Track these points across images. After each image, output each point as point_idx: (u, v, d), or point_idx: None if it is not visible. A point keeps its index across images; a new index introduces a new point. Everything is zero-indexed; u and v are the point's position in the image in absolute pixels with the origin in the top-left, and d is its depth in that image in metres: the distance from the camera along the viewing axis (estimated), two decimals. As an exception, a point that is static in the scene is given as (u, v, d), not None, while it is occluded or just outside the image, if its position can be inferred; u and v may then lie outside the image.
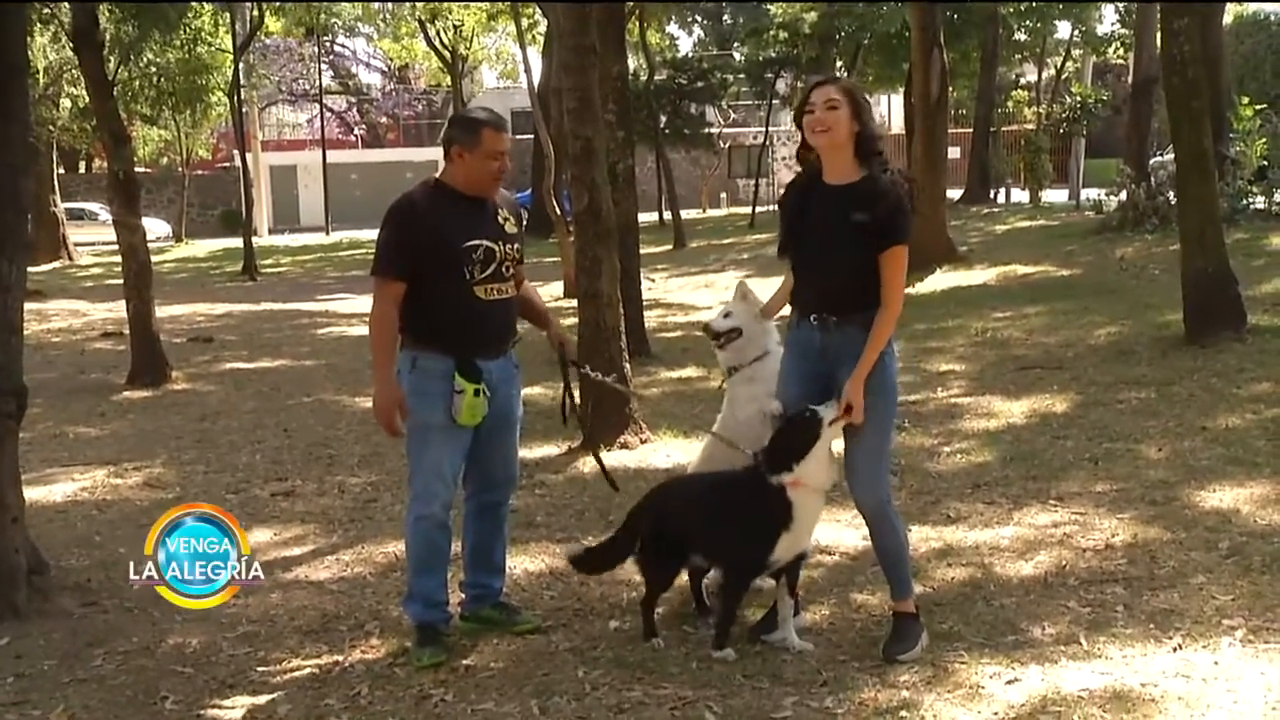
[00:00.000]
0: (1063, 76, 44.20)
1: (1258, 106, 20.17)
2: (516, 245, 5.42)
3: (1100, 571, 5.99)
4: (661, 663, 5.09)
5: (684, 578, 5.59)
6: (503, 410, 5.39)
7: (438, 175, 5.42)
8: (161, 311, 15.78)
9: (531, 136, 33.39)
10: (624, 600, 5.91)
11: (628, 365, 9.75)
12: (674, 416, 10.26)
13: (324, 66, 58.49)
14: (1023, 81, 48.35)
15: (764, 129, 41.35)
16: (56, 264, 35.20)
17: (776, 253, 5.31)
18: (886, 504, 5.14)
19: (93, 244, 40.16)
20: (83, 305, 23.63)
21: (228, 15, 31.52)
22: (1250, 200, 19.29)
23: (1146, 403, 9.63)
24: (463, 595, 5.71)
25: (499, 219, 5.36)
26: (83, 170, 54.47)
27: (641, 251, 13.99)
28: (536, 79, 30.38)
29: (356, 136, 66.19)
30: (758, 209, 36.73)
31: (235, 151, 39.95)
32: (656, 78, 36.36)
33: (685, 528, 5.27)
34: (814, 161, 5.06)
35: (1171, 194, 17.47)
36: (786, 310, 5.37)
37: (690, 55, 48.30)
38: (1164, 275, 15.33)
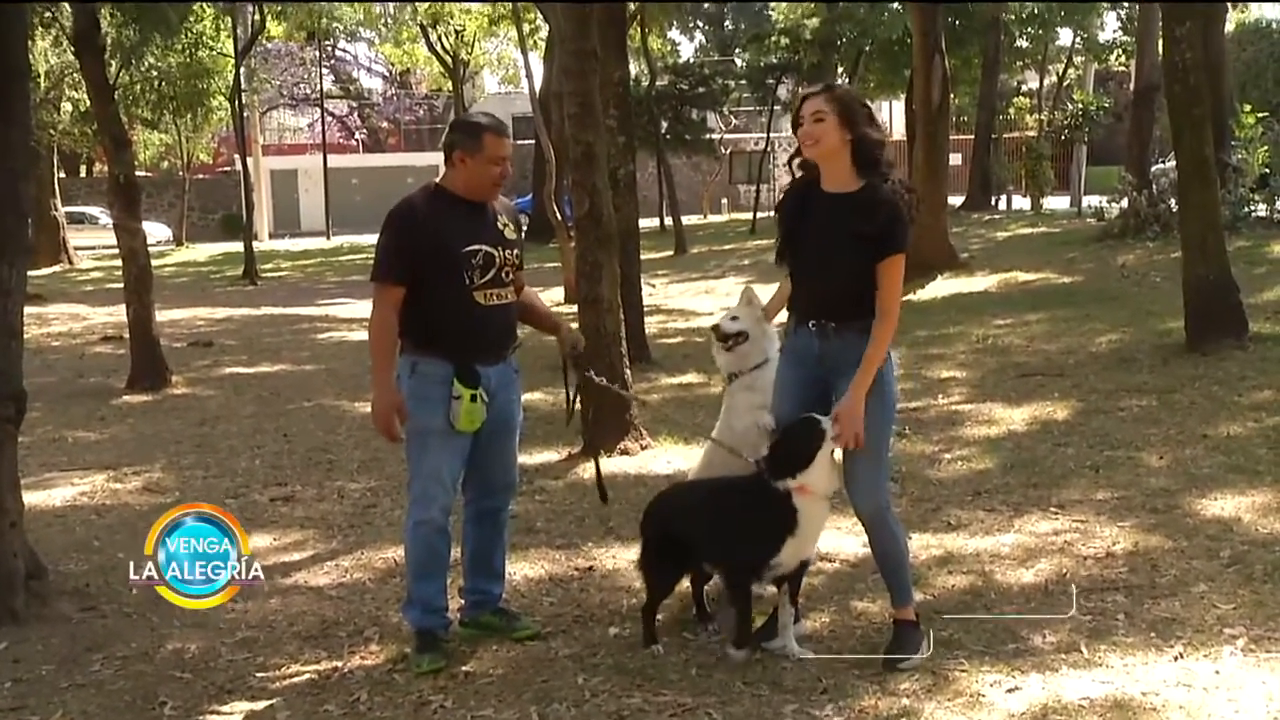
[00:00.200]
0: (1064, 83, 44.22)
1: (1260, 114, 20.14)
2: (516, 251, 5.41)
3: (1101, 580, 5.97)
4: (661, 669, 5.07)
5: (684, 584, 5.58)
6: (502, 416, 5.38)
7: (438, 180, 5.42)
8: (161, 316, 15.78)
9: (533, 141, 33.39)
10: (624, 607, 5.90)
11: (628, 371, 9.74)
12: (674, 423, 10.24)
13: (325, 71, 58.58)
14: (1024, 88, 48.37)
15: (765, 135, 41.36)
16: (57, 268, 35.23)
17: (774, 259, 5.30)
18: (886, 510, 5.13)
19: (93, 248, 40.19)
20: (83, 309, 23.62)
21: (229, 19, 31.50)
22: (1252, 208, 19.26)
23: (1148, 410, 9.61)
24: (462, 601, 5.70)
25: (499, 225, 5.35)
26: (83, 174, 54.52)
27: (642, 257, 13.99)
28: (538, 84, 30.38)
29: (357, 141, 66.26)
30: (759, 215, 36.70)
31: (236, 156, 39.95)
32: (658, 83, 36.35)
33: (689, 533, 5.26)
34: (814, 166, 5.05)
35: (1173, 201, 17.46)
36: (783, 316, 5.37)
37: (692, 61, 48.35)
38: (1165, 283, 15.32)
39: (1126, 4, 38.32)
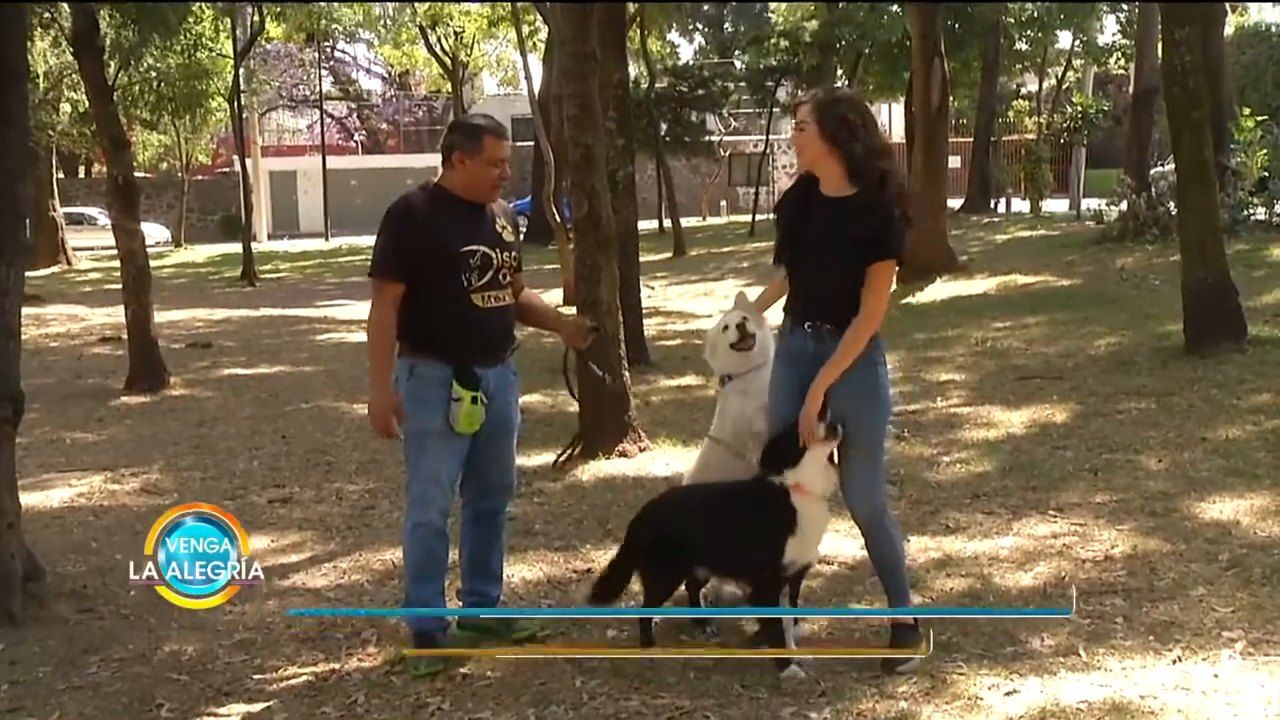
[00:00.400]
0: (1064, 86, 44.19)
1: (1259, 117, 20.11)
2: (514, 253, 5.41)
3: (1100, 583, 5.96)
4: (659, 672, 5.07)
5: (681, 588, 5.57)
6: (500, 418, 5.38)
7: (436, 180, 5.41)
8: (160, 317, 15.78)
9: (532, 143, 33.38)
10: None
11: (627, 373, 9.73)
12: (673, 425, 10.25)
13: (324, 72, 58.56)
14: (1024, 91, 48.36)
15: (764, 137, 41.38)
16: (55, 268, 35.22)
17: (773, 260, 5.31)
18: (882, 513, 5.13)
19: (92, 249, 40.18)
20: (81, 310, 23.61)
21: (228, 20, 31.49)
22: (1251, 211, 19.25)
23: (1146, 413, 9.61)
24: (460, 603, 5.70)
25: (497, 227, 5.35)
26: (82, 175, 54.51)
27: (641, 259, 14.00)
28: (537, 86, 30.37)
29: (357, 142, 66.28)
30: (758, 217, 36.70)
31: (235, 157, 39.95)
32: (657, 85, 36.37)
33: (688, 538, 5.25)
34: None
35: (1172, 204, 17.45)
36: (775, 317, 5.37)
37: (691, 63, 48.33)
38: (1164, 286, 15.31)
39: (1125, 7, 38.32)
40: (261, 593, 6.27)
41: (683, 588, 5.55)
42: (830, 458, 4.96)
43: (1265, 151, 19.34)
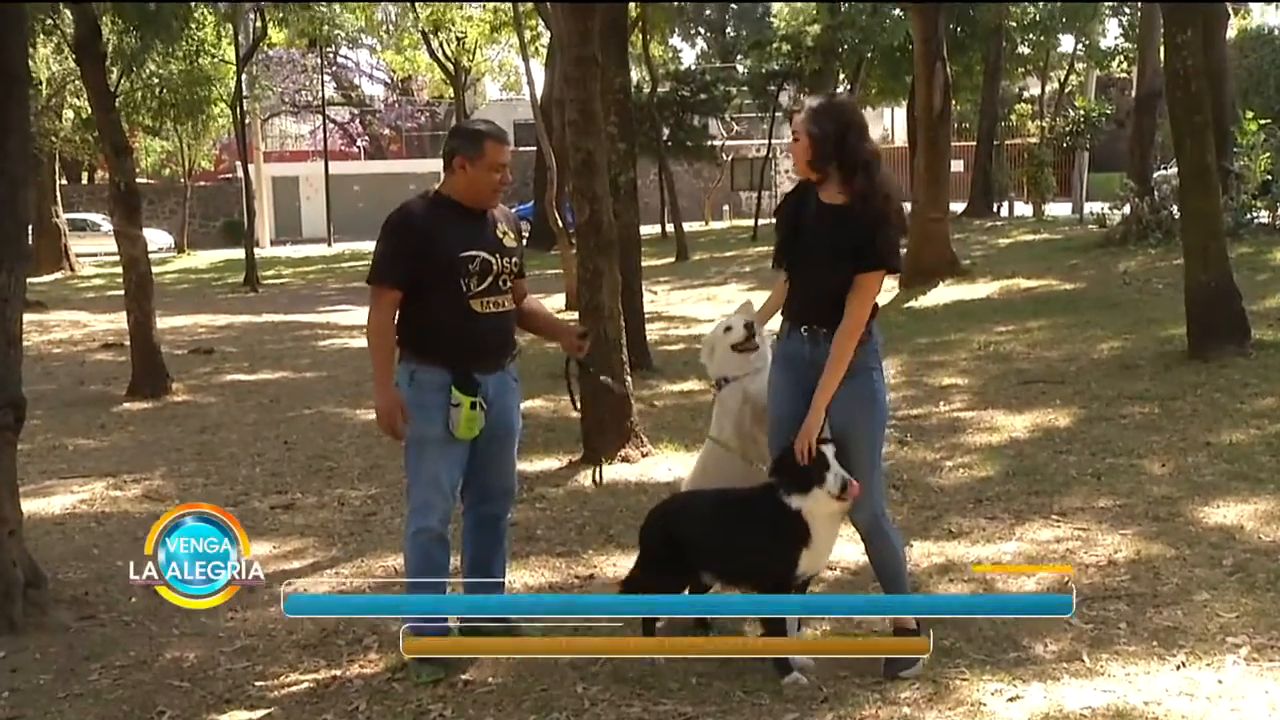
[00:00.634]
0: (1066, 90, 44.17)
1: (1262, 121, 20.13)
2: (514, 259, 5.41)
3: (1103, 588, 5.95)
4: (661, 678, 5.05)
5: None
6: (500, 423, 5.37)
7: (437, 186, 5.41)
8: (162, 323, 15.76)
9: (534, 148, 33.38)
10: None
11: (629, 378, 9.72)
12: (675, 429, 10.23)
13: (327, 78, 58.56)
14: (1026, 95, 48.32)
15: (767, 141, 41.37)
16: (58, 275, 35.21)
17: (772, 263, 5.31)
18: (881, 518, 5.14)
19: (95, 255, 40.14)
20: (84, 316, 23.60)
21: (231, 26, 31.50)
22: (1254, 214, 19.28)
23: (1149, 418, 9.60)
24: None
25: (498, 232, 5.35)
26: (85, 181, 54.49)
27: (644, 264, 13.98)
28: (539, 91, 30.40)
29: (359, 148, 66.27)
30: (760, 221, 36.69)
31: (237, 162, 39.98)
32: (659, 90, 36.36)
33: (695, 545, 5.21)
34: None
35: (1175, 208, 17.45)
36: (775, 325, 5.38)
37: (693, 68, 48.31)
38: (1167, 289, 15.31)
39: (1128, 10, 38.29)
40: (263, 599, 6.26)
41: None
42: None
43: (1268, 155, 19.34)
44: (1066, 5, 36.13)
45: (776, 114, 39.92)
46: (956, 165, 29.82)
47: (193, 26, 25.59)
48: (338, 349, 18.10)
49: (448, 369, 5.21)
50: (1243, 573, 6.02)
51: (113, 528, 8.19)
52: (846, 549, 6.57)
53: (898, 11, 33.19)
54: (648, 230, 23.77)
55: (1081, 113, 33.72)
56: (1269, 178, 19.37)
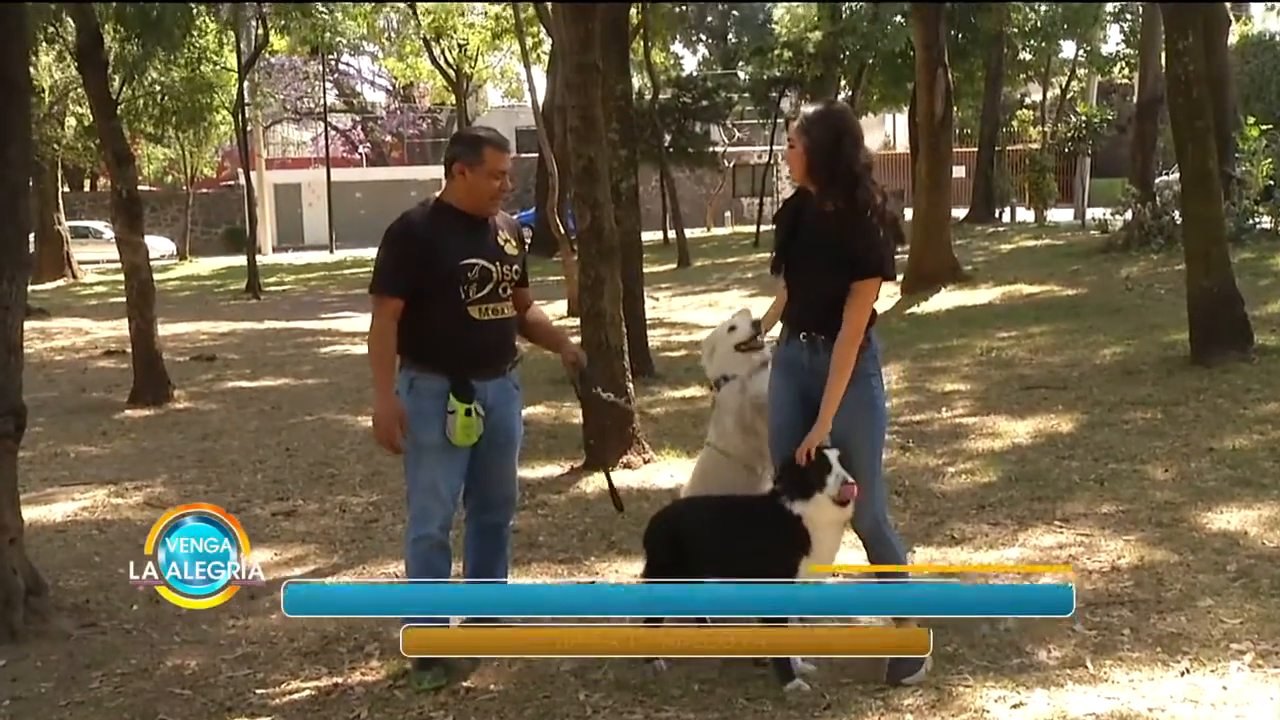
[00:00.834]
0: (1067, 96, 44.21)
1: (1264, 126, 20.12)
2: (515, 267, 5.40)
3: (1106, 594, 5.94)
4: (663, 685, 5.04)
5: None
6: (500, 430, 5.36)
7: (439, 194, 5.41)
8: (164, 330, 15.77)
9: (536, 155, 33.40)
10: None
11: (630, 385, 9.71)
12: (677, 436, 10.22)
13: (329, 85, 58.64)
14: (1027, 101, 48.38)
15: (768, 148, 41.37)
16: (61, 282, 35.24)
17: (770, 269, 5.32)
18: (883, 525, 5.15)
19: (97, 262, 40.19)
20: (86, 323, 23.58)
21: (232, 34, 31.51)
22: (1256, 220, 19.28)
23: (1152, 423, 9.58)
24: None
25: (499, 240, 5.35)
26: (88, 188, 54.59)
27: (645, 270, 13.98)
28: (541, 97, 30.39)
29: (361, 155, 66.26)
30: (762, 228, 36.67)
31: (240, 170, 39.99)
32: (661, 96, 36.36)
33: (697, 552, 5.19)
34: None
35: (1177, 213, 17.44)
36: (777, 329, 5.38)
37: (695, 74, 48.36)
38: (1169, 295, 15.30)
39: (1129, 16, 38.31)
40: (264, 606, 6.25)
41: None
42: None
43: (1270, 160, 19.34)
44: (1067, 11, 36.14)
45: (778, 120, 39.93)
46: (958, 171, 29.85)
47: (195, 34, 25.60)
48: (339, 356, 18.08)
49: (446, 376, 5.21)
50: (1246, 578, 6.00)
51: (114, 535, 8.18)
52: (847, 555, 6.55)
53: (899, 18, 33.21)
54: (649, 237, 23.77)
55: (1083, 118, 33.73)
56: (1271, 183, 19.36)
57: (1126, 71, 41.82)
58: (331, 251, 47.75)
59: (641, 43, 32.15)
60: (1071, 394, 11.01)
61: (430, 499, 5.27)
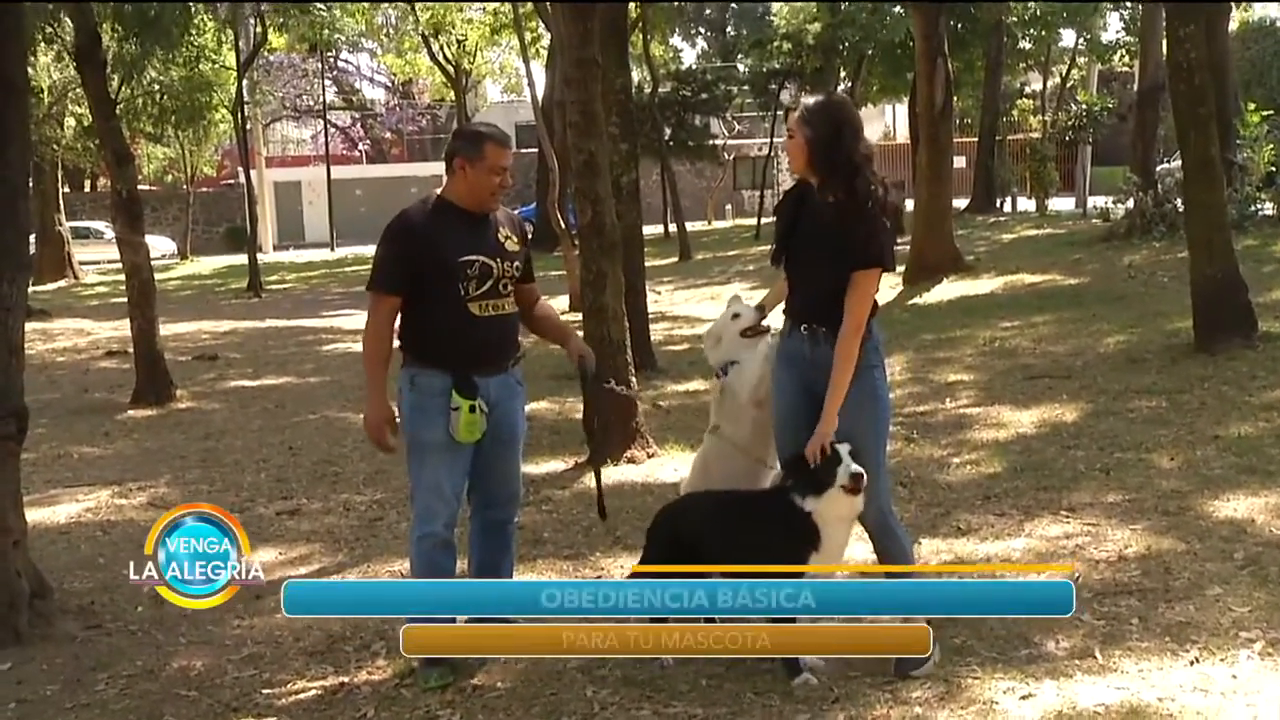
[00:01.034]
0: (1068, 85, 44.16)
1: (1264, 112, 20.09)
2: (517, 263, 5.37)
3: (1114, 583, 5.91)
4: (670, 681, 5.02)
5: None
6: (503, 427, 5.35)
7: (439, 191, 5.39)
8: (166, 329, 15.77)
9: (536, 150, 33.36)
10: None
11: (634, 379, 9.70)
12: (681, 430, 10.19)
13: (328, 82, 58.58)
14: (1028, 90, 48.28)
15: (768, 140, 41.32)
16: (62, 283, 35.21)
17: (770, 260, 5.30)
18: (889, 516, 5.14)
19: (98, 262, 40.18)
20: (88, 324, 23.57)
21: (231, 32, 31.48)
22: (1258, 206, 19.25)
23: (1157, 411, 9.56)
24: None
25: (500, 236, 5.33)
26: (88, 189, 54.56)
27: (647, 264, 13.95)
28: (540, 92, 30.35)
29: (361, 152, 66.21)
30: (763, 220, 36.64)
31: (239, 168, 39.96)
32: (660, 90, 36.35)
33: (703, 547, 5.16)
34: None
35: (1179, 201, 17.42)
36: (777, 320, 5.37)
37: (694, 67, 48.30)
38: (1172, 282, 15.26)
39: (1129, 4, 38.24)
40: (269, 606, 6.24)
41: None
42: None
43: (1271, 146, 19.32)
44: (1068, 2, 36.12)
45: (778, 113, 39.89)
46: (959, 161, 29.80)
47: (193, 32, 25.55)
48: (341, 353, 18.06)
49: (448, 373, 5.19)
50: (1254, 566, 5.98)
51: (118, 536, 8.16)
52: (854, 548, 6.55)
53: (898, 9, 33.15)
54: (650, 231, 23.76)
55: (1084, 107, 33.68)
56: (1273, 169, 19.34)
57: (1127, 59, 41.81)
58: (332, 249, 47.73)
59: (640, 37, 32.11)
60: (1075, 383, 10.99)
61: (434, 498, 5.26)
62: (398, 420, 5.34)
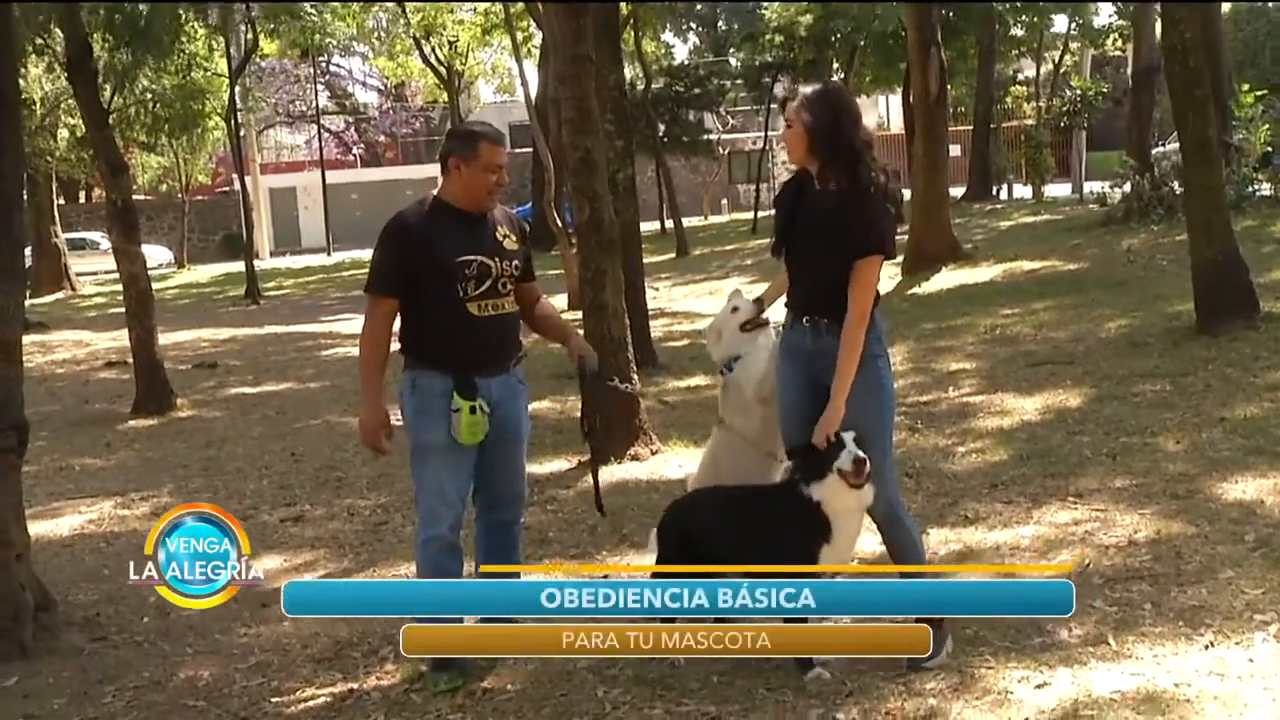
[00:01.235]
0: (1061, 70, 44.10)
1: (1258, 92, 20.07)
2: (516, 262, 5.34)
3: (1125, 569, 5.88)
4: (682, 679, 4.98)
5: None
6: (506, 427, 5.32)
7: (435, 192, 5.36)
8: (165, 339, 15.72)
9: (531, 149, 33.32)
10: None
11: (635, 376, 9.66)
12: (684, 426, 10.17)
13: (320, 87, 58.53)
14: (1021, 77, 48.28)
15: (763, 133, 41.27)
16: (59, 294, 35.15)
17: (770, 252, 5.27)
18: (897, 506, 5.11)
19: (95, 273, 40.14)
20: (86, 335, 23.52)
21: (222, 39, 31.45)
22: (1256, 187, 19.25)
23: (1162, 395, 9.52)
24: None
25: (498, 236, 5.30)
26: (83, 200, 54.48)
27: (644, 260, 13.91)
28: (534, 91, 30.32)
29: (355, 156, 66.17)
30: (759, 214, 36.61)
31: (234, 175, 39.92)
32: (654, 86, 36.30)
33: (713, 542, 5.12)
34: None
35: (1176, 184, 17.39)
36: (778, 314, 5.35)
37: (686, 62, 48.26)
38: (1172, 266, 15.24)
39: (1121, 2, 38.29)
40: (276, 614, 6.20)
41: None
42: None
43: (1267, 126, 19.30)
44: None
45: (772, 106, 39.77)
46: (954, 150, 29.75)
47: (184, 40, 25.54)
48: (341, 358, 18.00)
49: (449, 374, 5.17)
50: (1266, 548, 5.94)
51: (122, 547, 8.11)
52: (862, 539, 6.51)
53: (892, 1, 33.11)
54: (647, 227, 23.74)
55: (1078, 92, 33.63)
56: (1269, 149, 19.33)
57: (1120, 43, 41.78)
58: (329, 254, 47.70)
59: (632, 33, 32.07)
60: (1078, 369, 10.96)
61: (437, 501, 5.23)
62: (395, 424, 5.32)
